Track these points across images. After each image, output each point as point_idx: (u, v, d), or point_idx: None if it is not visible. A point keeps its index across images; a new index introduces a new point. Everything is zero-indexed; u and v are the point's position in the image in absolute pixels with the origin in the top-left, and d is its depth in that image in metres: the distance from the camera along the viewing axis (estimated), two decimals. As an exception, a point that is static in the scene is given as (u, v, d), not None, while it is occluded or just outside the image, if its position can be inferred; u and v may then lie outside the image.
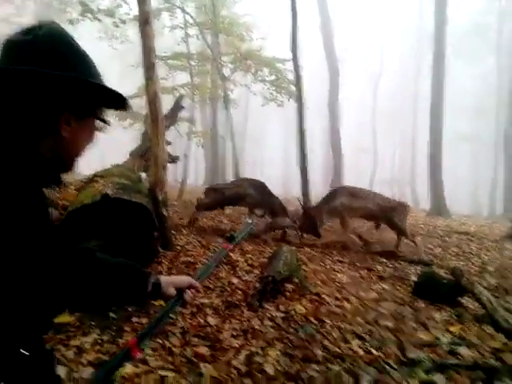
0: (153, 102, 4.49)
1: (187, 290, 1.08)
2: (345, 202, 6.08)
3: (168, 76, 11.99)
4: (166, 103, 8.94)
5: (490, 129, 25.53)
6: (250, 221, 1.60)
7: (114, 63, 24.00)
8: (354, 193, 6.16)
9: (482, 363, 2.63)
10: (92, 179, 4.18)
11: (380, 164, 31.24)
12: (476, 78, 30.83)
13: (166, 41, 13.18)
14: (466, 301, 3.92)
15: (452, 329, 3.28)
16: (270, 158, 41.99)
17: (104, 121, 0.93)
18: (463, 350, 2.86)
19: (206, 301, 3.26)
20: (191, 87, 11.21)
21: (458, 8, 25.56)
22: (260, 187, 6.66)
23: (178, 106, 7.74)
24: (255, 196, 6.54)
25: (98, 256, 0.97)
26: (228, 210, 8.42)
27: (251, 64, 10.34)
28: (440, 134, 14.42)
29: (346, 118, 24.84)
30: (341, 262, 5.32)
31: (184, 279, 1.10)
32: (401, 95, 33.25)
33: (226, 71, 10.83)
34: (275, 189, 7.92)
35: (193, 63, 11.49)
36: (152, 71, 4.45)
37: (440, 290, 3.85)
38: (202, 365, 2.40)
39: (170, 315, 1.08)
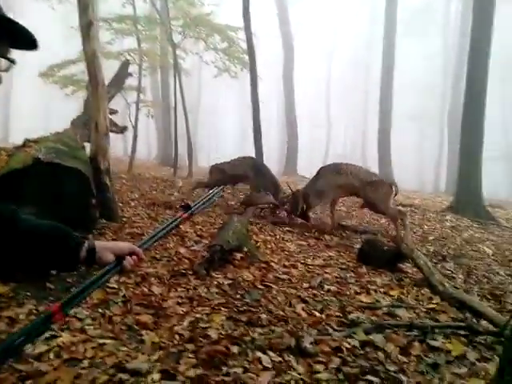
0: (91, 63, 4.19)
1: (127, 257, 1.00)
2: (329, 181, 5.59)
3: (113, 41, 11.26)
4: (113, 69, 8.47)
5: (436, 107, 26.65)
6: (211, 190, 1.47)
7: (57, 26, 22.30)
8: (337, 169, 5.64)
9: (417, 323, 2.76)
10: (24, 144, 3.86)
11: (334, 139, 31.95)
12: (425, 57, 31.87)
13: (112, 2, 12.33)
14: (406, 266, 4.12)
15: (392, 292, 3.42)
16: (225, 132, 41.49)
17: (6, 58, 0.80)
18: (401, 312, 2.99)
19: (151, 270, 3.18)
20: (139, 53, 10.62)
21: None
22: (258, 166, 6.68)
23: (123, 72, 7.32)
24: (253, 176, 6.53)
25: (22, 218, 0.89)
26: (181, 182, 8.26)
27: (201, 30, 9.92)
28: (389, 111, 14.89)
29: (301, 91, 24.87)
30: (291, 232, 5.39)
31: (124, 245, 1.03)
32: (354, 70, 33.79)
33: (177, 38, 10.33)
34: None
35: (140, 28, 10.84)
36: (90, 29, 4.12)
37: (381, 256, 4.00)
38: (143, 332, 2.35)
39: (105, 282, 0.98)
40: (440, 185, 22.75)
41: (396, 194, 5.46)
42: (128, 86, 10.83)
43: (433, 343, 2.52)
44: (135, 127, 10.47)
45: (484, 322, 2.93)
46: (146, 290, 2.86)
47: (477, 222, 7.69)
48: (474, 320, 2.97)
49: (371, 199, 5.35)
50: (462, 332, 2.69)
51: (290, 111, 18.21)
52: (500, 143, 25.69)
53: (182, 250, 3.73)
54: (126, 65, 7.84)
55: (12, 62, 0.81)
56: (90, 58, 4.24)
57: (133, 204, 5.46)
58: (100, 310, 2.52)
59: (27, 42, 0.80)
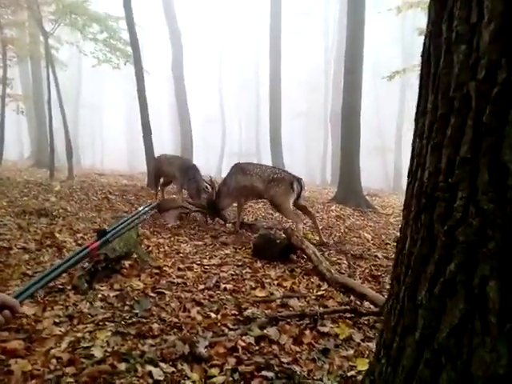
0: None
1: None
2: (238, 181, 5.39)
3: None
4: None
5: (320, 105, 28.66)
6: (140, 208, 1.24)
7: None
8: (244, 169, 5.41)
9: (308, 311, 2.87)
10: None
11: (228, 136, 32.31)
12: (308, 57, 34.06)
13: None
14: (298, 257, 4.30)
15: (285, 284, 3.52)
16: (111, 129, 38.89)
17: None
18: (293, 302, 3.08)
19: (20, 289, 2.75)
20: (1, 41, 9.25)
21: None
22: (187, 167, 6.43)
23: (-19, 60, 6.28)
24: (179, 177, 6.35)
25: None
26: (59, 186, 7.49)
27: (78, 18, 9.02)
28: (279, 108, 15.56)
29: (193, 89, 24.58)
30: (185, 232, 5.24)
31: None
32: (245, 69, 34.55)
33: (49, 26, 9.24)
34: (122, 164, 7.39)
35: (1, 10, 9.44)
36: None
37: (275, 249, 4.11)
38: (12, 361, 2.03)
39: None
40: (326, 177, 24.59)
41: (299, 193, 5.19)
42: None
43: (322, 329, 2.64)
44: (1, 125, 9.13)
45: (366, 303, 3.18)
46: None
47: (358, 210, 8.46)
48: (358, 302, 3.21)
49: (271, 197, 5.15)
50: (348, 315, 2.88)
51: (182, 109, 17.81)
52: (376, 138, 28.78)
53: (60, 263, 3.32)
54: (-16, 52, 6.75)
55: None
56: None
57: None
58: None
59: None
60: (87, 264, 3.14)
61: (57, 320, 2.49)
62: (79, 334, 2.34)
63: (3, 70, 9.42)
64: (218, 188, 5.67)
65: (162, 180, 7.07)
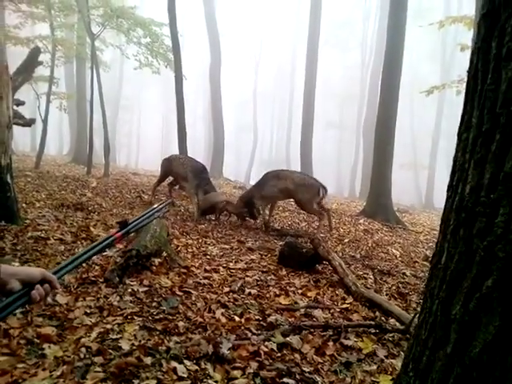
0: (-8, 45, 3.71)
1: (37, 286, 0.85)
2: (273, 185, 6.18)
3: (22, 25, 10.19)
4: (22, 57, 7.66)
5: (353, 116, 28.40)
6: (155, 205, 1.28)
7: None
8: (279, 175, 6.29)
9: (332, 323, 2.85)
10: None
11: (259, 144, 32.52)
12: (344, 68, 33.94)
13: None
14: (323, 268, 4.27)
15: (309, 294, 3.51)
16: (147, 130, 40.01)
17: None
18: (317, 313, 3.07)
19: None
20: (52, 41, 9.74)
21: (330, 3, 27.65)
22: (200, 170, 6.61)
23: (32, 60, 6.67)
24: (191, 178, 6.47)
25: None
26: (95, 182, 7.76)
27: (123, 22, 9.40)
28: (311, 118, 15.53)
29: (228, 95, 24.98)
30: (213, 234, 5.31)
31: (35, 271, 0.88)
32: (279, 78, 34.76)
33: (96, 28, 9.68)
34: (156, 165, 7.65)
35: (54, 13, 9.95)
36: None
37: (300, 258, 4.10)
38: (45, 345, 2.13)
39: (6, 316, 0.81)
40: (355, 190, 24.26)
41: (323, 197, 6.20)
42: (39, 75, 9.93)
43: (346, 342, 2.61)
44: (45, 120, 9.58)
45: (392, 320, 3.12)
46: (49, 299, 2.58)
47: (387, 225, 8.29)
48: (383, 318, 3.16)
49: (298, 197, 6.07)
50: (373, 330, 2.84)
51: (216, 112, 18.12)
52: (409, 153, 28.20)
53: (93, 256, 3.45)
54: (35, 52, 7.13)
55: None
56: (-11, 40, 3.76)
57: (38, 205, 4.96)
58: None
59: None
60: (119, 259, 3.25)
61: (88, 310, 2.58)
62: (108, 326, 2.41)
63: (50, 70, 9.90)
64: (251, 190, 6.49)
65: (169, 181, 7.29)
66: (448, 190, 1.27)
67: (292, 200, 6.70)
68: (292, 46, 31.65)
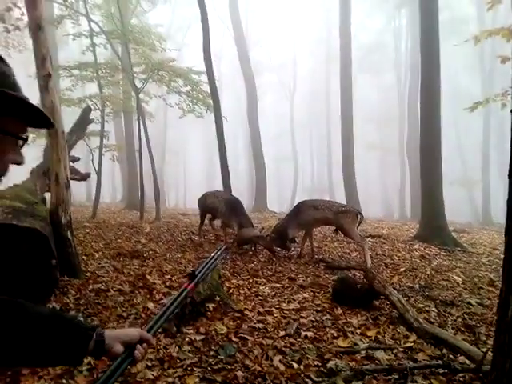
0: (50, 114, 4.08)
1: (138, 346, 0.92)
2: (310, 215, 6.44)
3: (74, 87, 11.20)
4: (75, 115, 8.36)
5: (395, 137, 27.82)
6: (218, 251, 1.33)
7: (18, 74, 22.00)
8: (314, 205, 6.56)
9: (396, 366, 2.71)
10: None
11: (300, 173, 32.54)
12: (380, 90, 33.66)
13: (72, 50, 12.36)
14: (381, 303, 4.10)
15: (369, 333, 3.36)
16: (193, 171, 41.49)
17: (16, 136, 0.79)
18: (379, 354, 2.93)
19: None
20: (101, 98, 10.58)
21: (361, 27, 27.98)
22: (233, 202, 6.87)
23: (84, 119, 7.23)
24: (225, 211, 6.75)
25: (22, 305, 0.84)
26: (148, 227, 8.06)
27: (164, 75, 10.06)
28: (351, 143, 15.40)
29: (265, 127, 25.48)
30: (263, 273, 5.30)
31: (133, 333, 0.94)
32: (315, 106, 35.00)
33: (139, 82, 10.41)
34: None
35: (101, 74, 10.87)
36: (48, 81, 4.06)
37: (355, 294, 3.96)
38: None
39: (118, 377, 0.86)
40: (406, 211, 23.36)
41: (361, 222, 6.44)
42: (91, 131, 10.71)
43: (413, 386, 2.47)
44: (99, 172, 10.25)
45: (461, 358, 2.92)
46: (112, 355, 2.67)
47: (444, 249, 7.84)
48: (451, 356, 2.96)
49: (341, 224, 6.28)
50: (441, 370, 2.66)
51: (256, 147, 18.49)
52: (459, 169, 26.99)
53: (151, 305, 3.55)
54: (87, 111, 7.76)
55: (25, 140, 0.82)
56: (49, 110, 4.14)
57: (97, 256, 5.23)
58: (64, 381, 2.33)
59: (43, 121, 0.82)
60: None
61: (149, 364, 2.63)
62: (170, 379, 2.45)
63: (101, 125, 10.70)
64: (284, 221, 6.66)
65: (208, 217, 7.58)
66: (507, 234, 1.21)
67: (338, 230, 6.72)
68: (325, 73, 31.94)
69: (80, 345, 0.88)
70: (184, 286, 1.12)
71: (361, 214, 6.53)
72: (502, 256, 1.46)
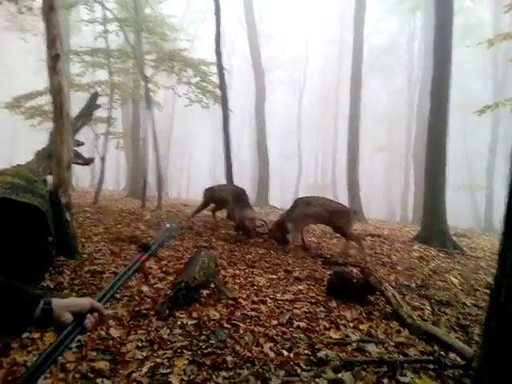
0: (57, 95, 4.11)
1: (88, 315, 0.91)
2: (303, 210, 6.53)
3: (84, 73, 11.22)
4: (83, 100, 8.37)
5: (402, 139, 27.67)
6: (168, 225, 1.43)
7: (30, 58, 22.09)
8: (308, 201, 6.67)
9: (386, 359, 2.71)
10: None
11: (304, 170, 32.46)
12: (390, 92, 33.47)
13: (85, 36, 12.39)
14: (375, 299, 4.09)
15: (361, 326, 3.36)
16: (197, 162, 41.51)
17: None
18: (370, 347, 2.93)
19: (109, 311, 3.00)
20: (110, 85, 10.58)
21: (374, 29, 27.77)
22: (238, 193, 7.28)
23: (92, 104, 7.24)
24: (231, 201, 7.17)
25: None
26: (149, 215, 8.09)
27: (174, 64, 10.05)
28: (357, 143, 15.34)
29: (272, 124, 25.42)
30: (260, 264, 5.30)
31: (84, 302, 0.93)
32: (323, 105, 34.88)
33: (149, 71, 10.40)
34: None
35: (112, 61, 10.87)
36: (56, 61, 4.06)
37: (350, 289, 3.96)
38: (99, 380, 2.21)
39: (65, 348, 0.86)
40: (407, 214, 23.27)
41: (353, 220, 6.65)
42: (98, 117, 10.73)
43: (402, 379, 2.47)
44: (103, 159, 10.27)
45: (452, 355, 2.91)
46: (103, 333, 2.69)
47: (443, 251, 7.83)
48: (443, 353, 2.96)
49: (337, 224, 6.39)
50: (431, 366, 2.66)
51: (261, 142, 18.48)
52: (464, 175, 26.82)
53: (145, 289, 3.57)
54: (94, 96, 7.77)
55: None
56: (56, 90, 4.15)
57: (95, 239, 5.25)
58: (52, 357, 2.34)
59: None
60: (169, 291, 3.33)
61: (139, 344, 2.65)
62: (159, 360, 2.46)
63: (108, 111, 10.72)
64: (283, 216, 6.75)
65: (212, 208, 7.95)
66: (505, 222, 1.20)
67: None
68: (336, 72, 31.76)
69: (25, 311, 0.84)
70: (137, 258, 1.13)
71: (355, 212, 6.79)
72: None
